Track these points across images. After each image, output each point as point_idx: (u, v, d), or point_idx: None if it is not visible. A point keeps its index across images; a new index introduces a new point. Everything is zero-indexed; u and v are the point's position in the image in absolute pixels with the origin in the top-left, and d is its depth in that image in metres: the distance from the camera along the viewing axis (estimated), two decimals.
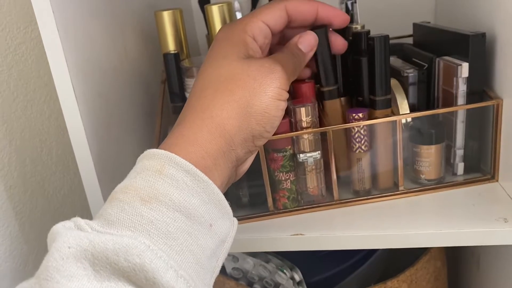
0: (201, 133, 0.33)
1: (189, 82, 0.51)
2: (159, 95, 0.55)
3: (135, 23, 0.59)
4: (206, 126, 0.33)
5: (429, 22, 0.59)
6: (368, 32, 0.48)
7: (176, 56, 0.52)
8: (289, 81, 0.37)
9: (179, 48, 0.57)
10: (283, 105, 0.36)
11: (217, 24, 0.57)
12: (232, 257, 0.60)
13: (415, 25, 0.60)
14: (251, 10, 0.79)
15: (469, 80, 0.47)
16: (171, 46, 0.56)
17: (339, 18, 0.42)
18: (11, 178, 0.54)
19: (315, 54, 0.43)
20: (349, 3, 0.52)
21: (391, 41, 0.64)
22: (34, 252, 0.57)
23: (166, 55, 0.52)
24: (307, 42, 0.40)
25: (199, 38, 0.80)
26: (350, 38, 0.52)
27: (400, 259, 0.61)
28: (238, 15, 0.80)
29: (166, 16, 0.56)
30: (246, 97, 0.34)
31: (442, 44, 0.52)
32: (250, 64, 0.35)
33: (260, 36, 0.38)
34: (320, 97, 0.49)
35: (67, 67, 0.41)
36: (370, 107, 0.48)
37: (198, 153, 0.32)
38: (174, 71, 0.52)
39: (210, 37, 0.58)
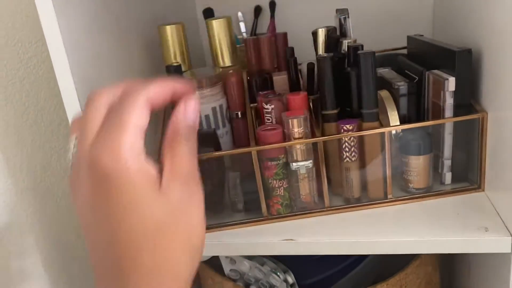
0: None
1: None
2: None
3: (140, 37, 0.61)
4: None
5: (422, 35, 0.61)
6: (357, 47, 0.50)
7: (178, 67, 0.55)
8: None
9: (182, 60, 0.60)
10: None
11: (217, 38, 0.59)
12: (230, 259, 0.62)
13: (409, 38, 0.62)
14: (254, 20, 0.82)
15: (455, 94, 0.49)
16: (174, 58, 0.59)
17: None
18: (22, 183, 0.57)
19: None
20: (341, 18, 0.54)
21: (387, 52, 0.66)
22: (44, 254, 0.60)
23: (169, 67, 0.55)
24: (191, 112, 0.31)
25: (205, 49, 0.82)
26: (343, 51, 0.54)
27: (394, 263, 0.62)
28: (242, 26, 0.82)
29: (169, 30, 0.59)
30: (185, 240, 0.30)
31: (432, 58, 0.54)
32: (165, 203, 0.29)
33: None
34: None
35: (73, 81, 0.44)
36: (358, 118, 0.50)
37: None
38: None
39: (211, 51, 0.61)
